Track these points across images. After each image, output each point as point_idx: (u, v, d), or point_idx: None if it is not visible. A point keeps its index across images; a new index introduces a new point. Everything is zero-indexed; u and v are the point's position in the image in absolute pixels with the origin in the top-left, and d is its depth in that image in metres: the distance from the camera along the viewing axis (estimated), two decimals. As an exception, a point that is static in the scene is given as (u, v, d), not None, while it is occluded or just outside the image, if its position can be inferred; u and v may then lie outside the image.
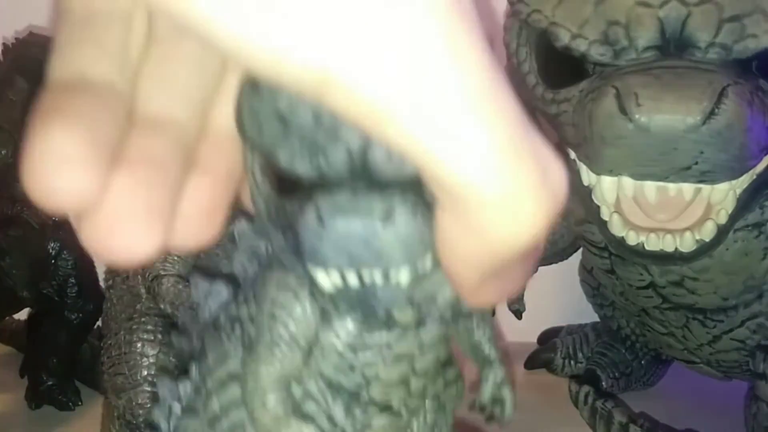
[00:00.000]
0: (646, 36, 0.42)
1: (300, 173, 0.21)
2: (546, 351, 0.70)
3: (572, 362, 0.69)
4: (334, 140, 0.20)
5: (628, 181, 0.43)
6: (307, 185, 0.22)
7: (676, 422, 0.57)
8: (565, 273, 0.69)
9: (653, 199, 0.44)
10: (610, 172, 0.43)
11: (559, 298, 0.74)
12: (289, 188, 0.23)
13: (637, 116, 0.40)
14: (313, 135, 0.20)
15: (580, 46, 0.43)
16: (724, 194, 0.43)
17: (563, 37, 0.44)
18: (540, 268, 0.67)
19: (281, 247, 0.25)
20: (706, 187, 0.43)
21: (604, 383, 0.66)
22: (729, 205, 0.45)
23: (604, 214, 0.46)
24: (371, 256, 0.22)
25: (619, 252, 0.48)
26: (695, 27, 0.42)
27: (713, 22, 0.42)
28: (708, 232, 0.45)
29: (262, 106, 0.21)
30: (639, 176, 0.43)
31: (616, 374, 0.66)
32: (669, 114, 0.40)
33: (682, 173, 0.42)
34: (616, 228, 0.46)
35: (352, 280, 0.23)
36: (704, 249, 0.45)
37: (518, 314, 0.65)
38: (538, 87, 0.47)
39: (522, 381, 0.67)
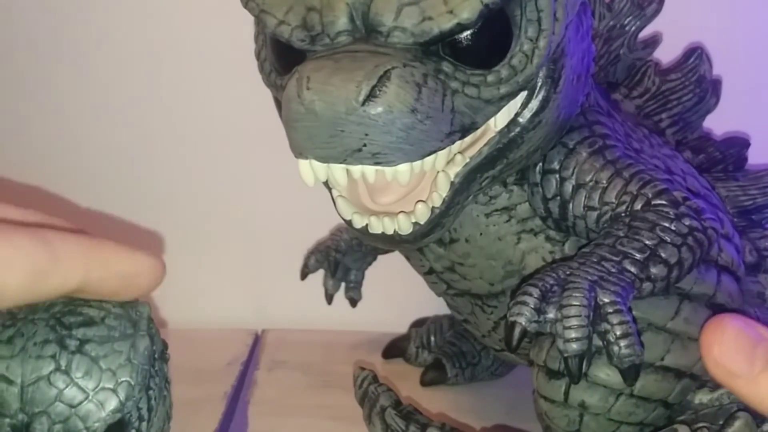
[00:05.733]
0: (336, 21, 0.42)
1: None
2: (401, 340, 0.71)
3: (425, 351, 0.69)
4: None
5: (317, 164, 0.43)
6: None
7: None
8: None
9: (373, 182, 0.44)
10: (300, 155, 0.44)
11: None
12: None
13: (307, 99, 0.41)
14: None
15: (284, 32, 0.44)
16: (407, 175, 0.42)
17: (270, 24, 0.44)
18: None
19: None
20: (388, 169, 0.42)
21: (449, 373, 0.66)
22: (443, 189, 0.45)
23: (335, 197, 0.47)
24: None
25: (354, 235, 0.49)
26: (377, 12, 0.42)
27: (393, 6, 0.41)
28: (421, 214, 0.45)
29: None
30: (321, 159, 0.42)
31: (463, 364, 0.67)
32: (331, 96, 0.40)
33: (356, 155, 0.41)
34: (343, 211, 0.46)
35: None
36: (423, 231, 0.45)
37: (353, 302, 0.66)
38: (272, 74, 0.48)
39: (381, 370, 0.68)
